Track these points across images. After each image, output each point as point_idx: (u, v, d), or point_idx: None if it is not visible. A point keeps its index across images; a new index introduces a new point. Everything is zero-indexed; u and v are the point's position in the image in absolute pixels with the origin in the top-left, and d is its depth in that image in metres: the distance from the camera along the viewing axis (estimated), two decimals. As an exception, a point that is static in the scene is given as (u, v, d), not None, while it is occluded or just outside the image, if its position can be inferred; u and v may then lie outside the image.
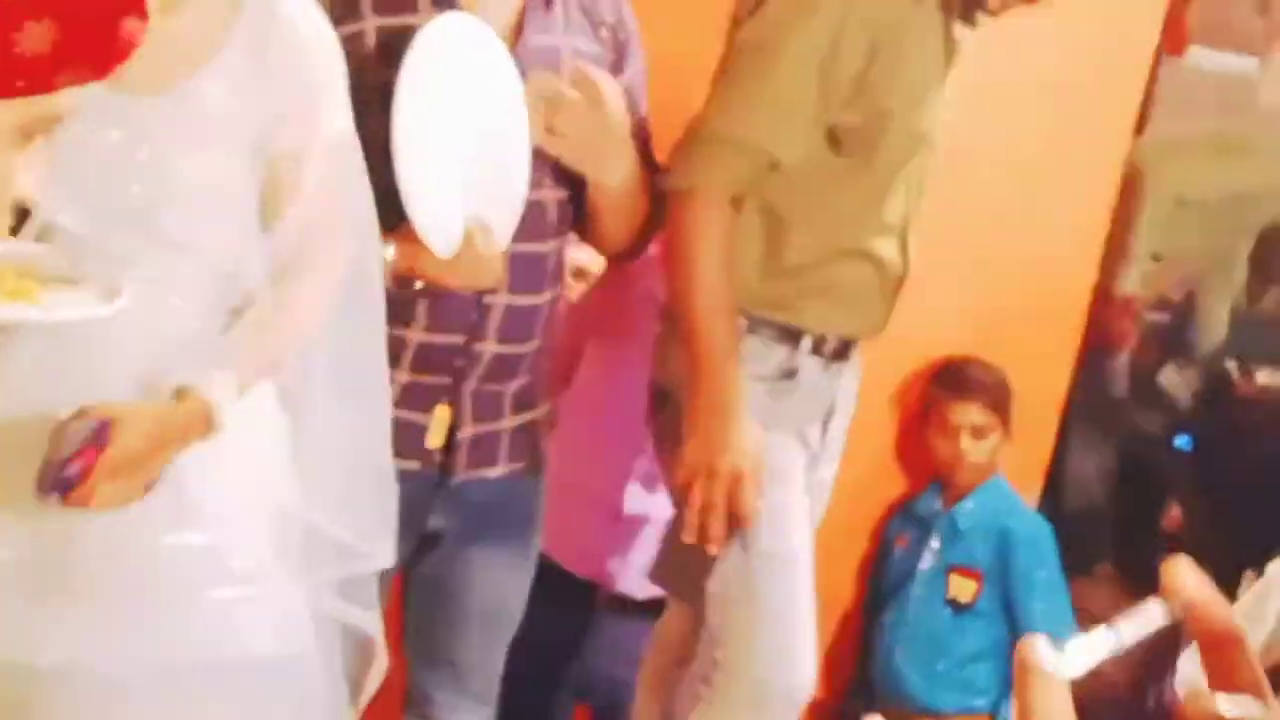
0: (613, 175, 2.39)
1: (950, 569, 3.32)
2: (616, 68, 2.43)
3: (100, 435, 1.85)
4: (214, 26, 1.99)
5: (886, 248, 2.51)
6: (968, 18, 2.51)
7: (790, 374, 2.50)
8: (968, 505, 3.33)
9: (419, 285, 2.27)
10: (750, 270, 2.45)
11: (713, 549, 2.40)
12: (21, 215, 1.97)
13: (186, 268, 2.00)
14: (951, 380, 3.30)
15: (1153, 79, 4.28)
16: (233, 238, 2.02)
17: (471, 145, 2.25)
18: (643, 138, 2.48)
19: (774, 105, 2.35)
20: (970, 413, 3.28)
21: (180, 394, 1.93)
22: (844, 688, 3.45)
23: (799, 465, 2.55)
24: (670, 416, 2.50)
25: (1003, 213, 3.27)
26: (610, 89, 2.32)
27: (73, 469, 1.84)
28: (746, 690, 2.46)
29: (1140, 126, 4.14)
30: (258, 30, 1.99)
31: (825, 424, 2.61)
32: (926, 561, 3.34)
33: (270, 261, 2.03)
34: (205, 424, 1.94)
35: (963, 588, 3.31)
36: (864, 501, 3.36)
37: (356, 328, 2.11)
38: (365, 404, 2.15)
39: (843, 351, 2.58)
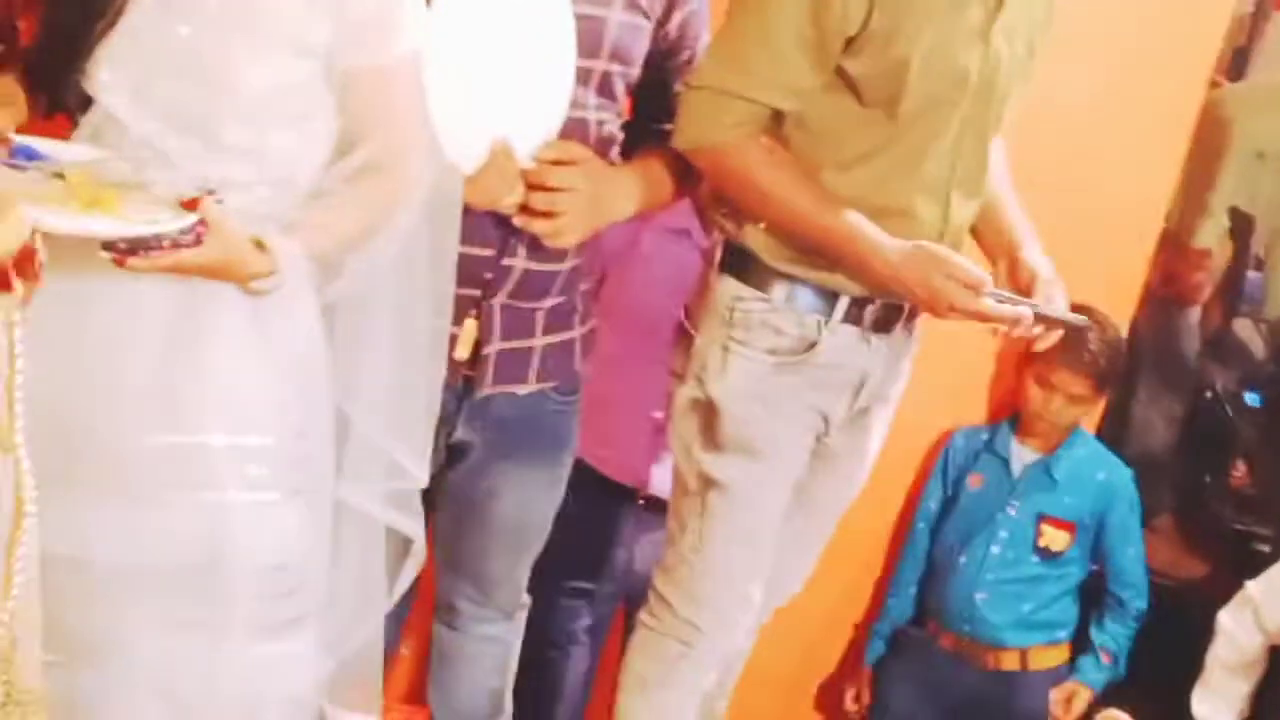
0: (625, 212, 2.43)
1: (1042, 518, 3.35)
2: (659, 35, 2.44)
3: (195, 237, 1.88)
4: None
5: (926, 205, 2.43)
6: None
7: (808, 346, 2.46)
8: (1061, 458, 3.36)
9: None
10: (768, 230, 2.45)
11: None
12: (84, 101, 2.03)
13: (252, 175, 2.03)
14: (1072, 347, 3.14)
15: (1255, 31, 4.24)
16: (298, 150, 2.05)
17: (506, 61, 2.26)
18: (693, 65, 2.48)
19: (763, 53, 2.32)
20: (1075, 384, 3.29)
21: (257, 243, 1.96)
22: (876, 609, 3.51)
23: (793, 445, 2.53)
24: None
25: (1068, 158, 3.26)
26: (584, 169, 2.33)
27: (155, 252, 1.86)
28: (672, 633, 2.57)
29: (1236, 78, 4.10)
30: None
31: (854, 400, 2.55)
32: (1014, 509, 3.36)
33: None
34: (265, 270, 1.96)
35: (1055, 538, 3.35)
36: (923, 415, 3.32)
37: (431, 246, 2.15)
38: (428, 325, 2.20)
39: (887, 322, 2.50)
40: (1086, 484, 3.35)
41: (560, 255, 2.45)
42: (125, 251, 1.85)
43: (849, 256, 2.38)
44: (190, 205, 1.89)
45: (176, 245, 1.86)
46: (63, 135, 2.05)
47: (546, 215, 2.32)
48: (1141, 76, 3.29)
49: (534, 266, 2.43)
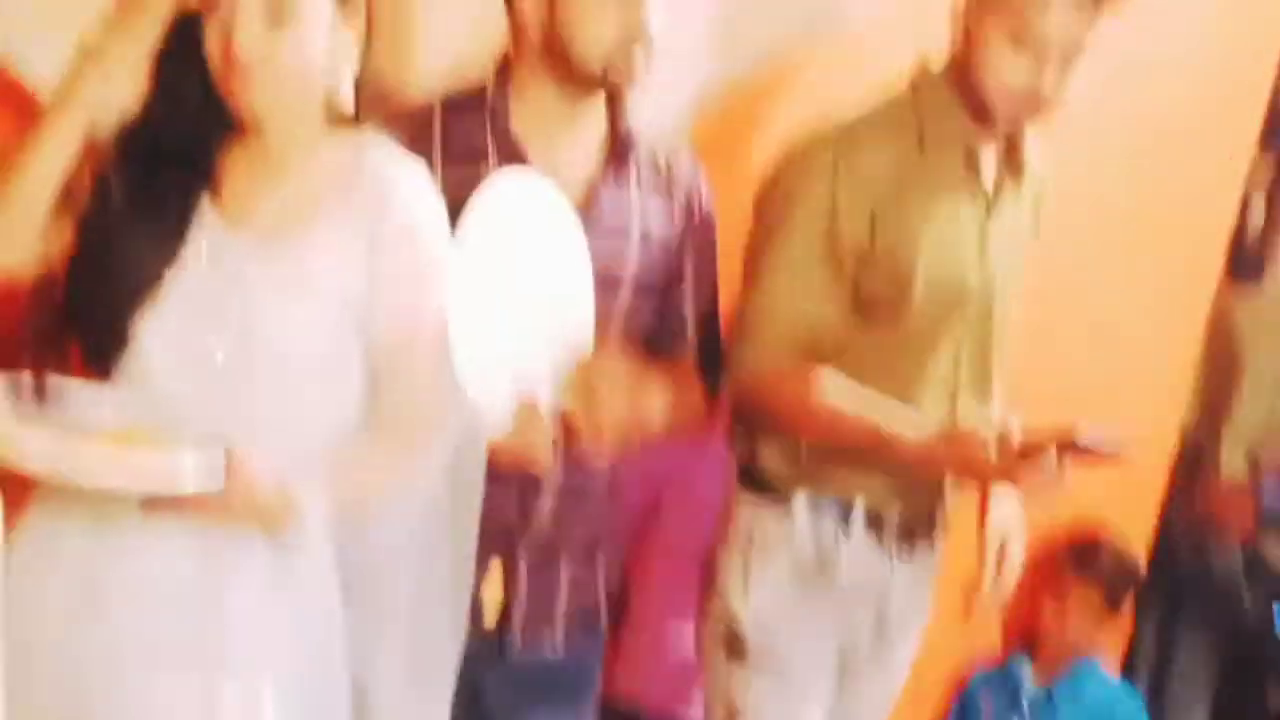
0: (659, 418, 2.35)
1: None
2: (687, 236, 2.45)
3: (218, 484, 1.87)
4: (329, 185, 2.02)
5: (934, 405, 2.46)
6: (1012, 165, 2.50)
7: (828, 563, 2.47)
8: (1065, 688, 3.36)
9: None
10: (784, 440, 2.47)
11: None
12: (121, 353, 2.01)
13: (277, 429, 2.00)
14: (1083, 558, 3.32)
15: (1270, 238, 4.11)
16: (323, 404, 2.04)
17: (535, 313, 2.22)
18: (708, 305, 2.51)
19: (794, 281, 2.39)
20: (1090, 598, 3.31)
21: (278, 490, 1.94)
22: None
23: (817, 666, 2.52)
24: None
25: (1074, 376, 3.20)
26: (614, 367, 2.27)
27: (179, 499, 1.87)
28: None
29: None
30: (372, 207, 2.01)
31: (877, 626, 2.56)
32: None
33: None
34: (288, 517, 1.95)
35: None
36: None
37: (453, 510, 2.12)
38: (448, 596, 2.15)
39: (908, 534, 2.51)
40: (1095, 712, 3.35)
41: (585, 518, 2.44)
42: (149, 499, 1.87)
43: (883, 443, 2.39)
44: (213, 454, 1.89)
45: (200, 492, 1.86)
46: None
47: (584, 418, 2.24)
48: (1150, 283, 3.27)
49: (560, 531, 2.41)
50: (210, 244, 2.01)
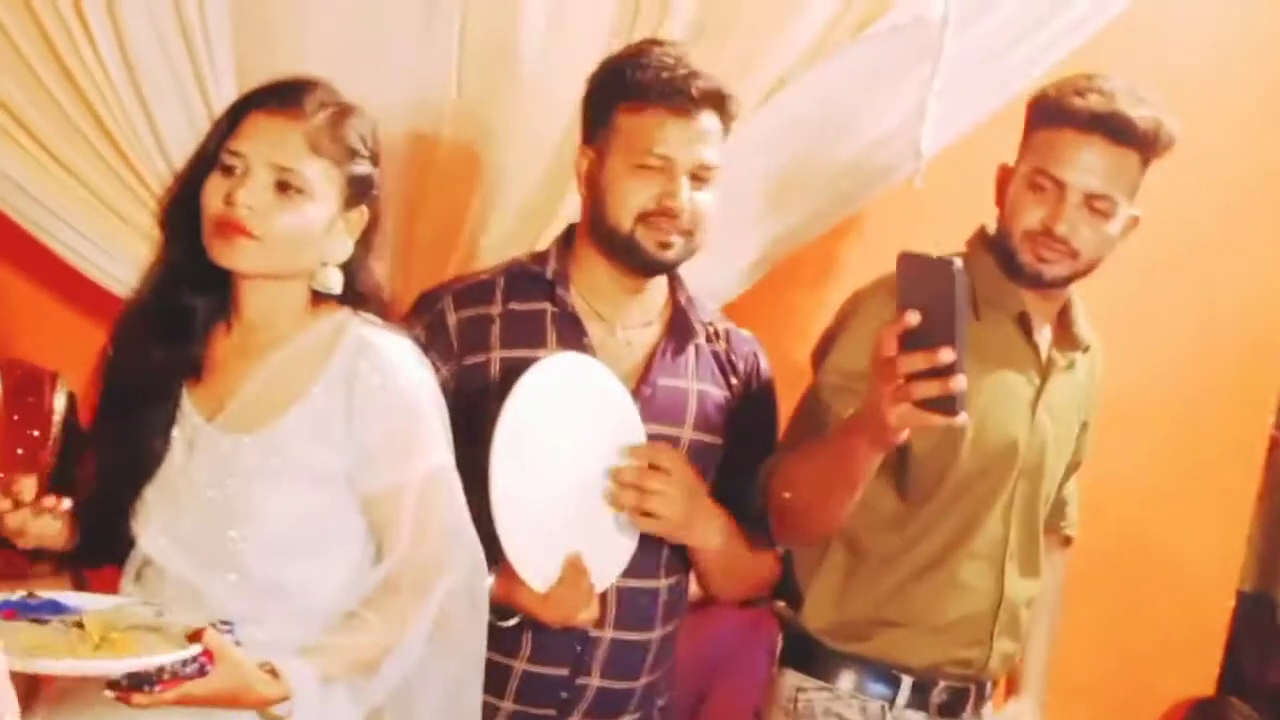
0: (711, 539, 2.36)
1: None
2: (743, 415, 2.45)
3: (199, 667, 1.87)
4: (307, 368, 2.05)
5: (979, 576, 2.44)
6: (1066, 334, 2.49)
7: None
8: None
9: (514, 620, 2.26)
10: (829, 603, 2.45)
11: None
12: (123, 550, 2.06)
13: (276, 606, 2.02)
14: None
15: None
16: (324, 573, 2.06)
17: (580, 482, 2.25)
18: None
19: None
20: None
21: (268, 669, 1.93)
22: None
23: None
24: None
25: (1130, 529, 3.17)
26: (679, 462, 2.31)
27: (158, 687, 1.86)
28: None
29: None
30: (347, 373, 2.04)
31: None
32: None
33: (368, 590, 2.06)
34: (278, 696, 1.93)
35: None
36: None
37: (457, 655, 2.10)
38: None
39: (953, 706, 2.47)
40: None
41: (635, 673, 2.40)
42: (128, 689, 1.84)
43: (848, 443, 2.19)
44: (194, 637, 1.88)
45: (178, 677, 1.85)
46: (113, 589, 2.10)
47: (644, 500, 2.26)
48: (1200, 437, 3.25)
49: (609, 685, 2.38)
50: (193, 438, 2.05)
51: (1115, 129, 2.31)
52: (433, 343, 2.31)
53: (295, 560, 2.04)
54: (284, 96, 2.04)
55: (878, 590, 2.43)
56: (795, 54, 2.79)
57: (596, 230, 2.34)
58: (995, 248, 2.41)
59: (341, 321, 2.07)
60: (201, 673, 1.86)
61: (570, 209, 2.59)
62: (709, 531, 2.36)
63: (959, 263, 1.82)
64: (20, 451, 2.26)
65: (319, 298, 2.09)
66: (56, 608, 1.98)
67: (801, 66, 2.79)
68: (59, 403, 2.32)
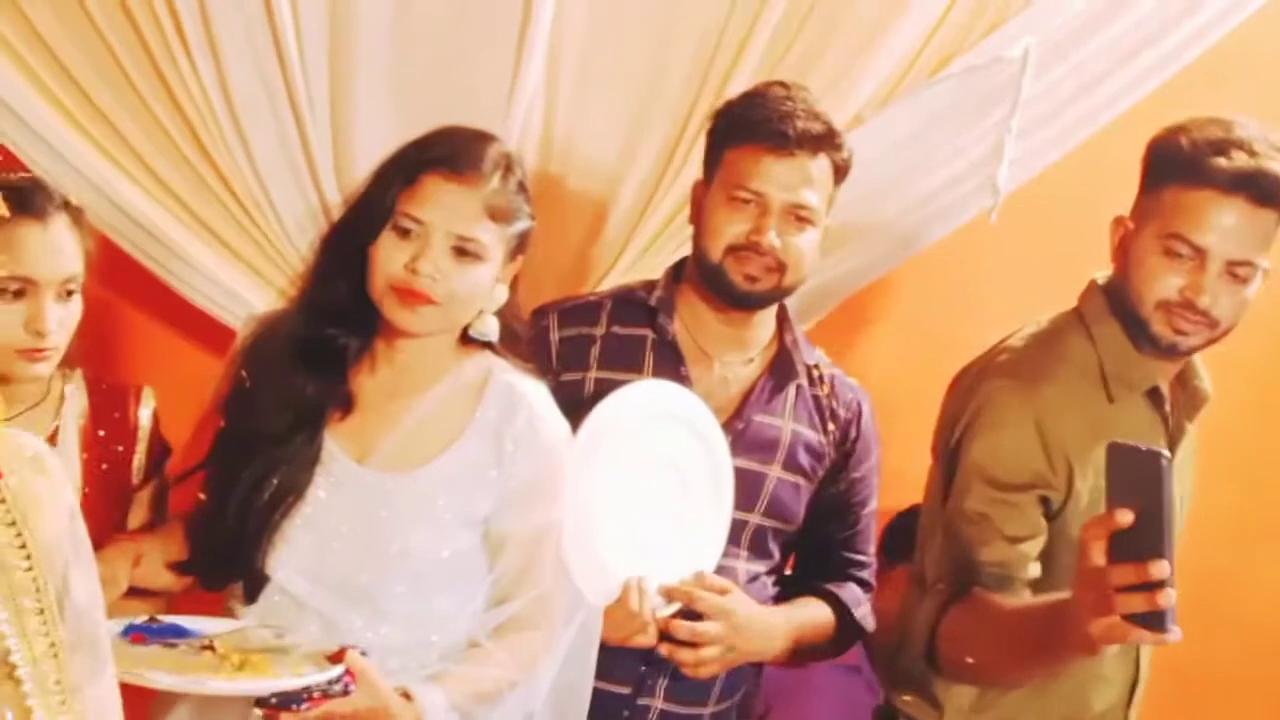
0: (770, 653, 2.39)
1: None
2: (838, 463, 2.46)
3: (343, 688, 1.94)
4: (457, 412, 2.11)
5: (1117, 664, 2.27)
6: (1190, 397, 2.32)
7: None
8: None
9: None
10: (967, 706, 2.27)
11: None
12: (256, 578, 2.10)
13: (405, 638, 2.08)
14: None
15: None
16: (455, 612, 2.11)
17: (657, 508, 2.28)
18: (859, 531, 2.51)
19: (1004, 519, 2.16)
20: None
21: (404, 694, 1.99)
22: None
23: None
24: None
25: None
26: (731, 600, 2.30)
27: (305, 706, 1.92)
28: None
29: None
30: (497, 419, 2.10)
31: None
32: None
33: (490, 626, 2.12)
34: (416, 718, 1.99)
35: None
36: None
37: (571, 687, 2.19)
38: None
39: None
40: None
41: (702, 699, 2.41)
42: (277, 707, 1.91)
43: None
44: (336, 658, 1.95)
45: (326, 696, 1.92)
46: (213, 612, 2.14)
47: (691, 645, 2.28)
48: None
49: (673, 709, 2.40)
50: (341, 478, 2.08)
51: (1262, 191, 2.10)
52: (535, 356, 2.36)
53: (434, 596, 2.09)
54: (462, 160, 2.06)
55: (1018, 691, 2.24)
56: (872, 92, 2.82)
57: (695, 262, 2.40)
58: (1120, 314, 2.22)
59: (487, 365, 2.13)
60: (345, 692, 1.93)
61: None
62: (766, 650, 2.38)
63: (1168, 457, 1.68)
64: (105, 467, 2.29)
65: (464, 338, 2.14)
66: (180, 632, 2.04)
67: (878, 105, 2.82)
68: (144, 417, 2.34)
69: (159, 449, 2.36)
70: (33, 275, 2.11)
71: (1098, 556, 1.72)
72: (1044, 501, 2.16)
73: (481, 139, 2.11)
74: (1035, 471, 2.15)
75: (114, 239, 2.69)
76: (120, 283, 2.71)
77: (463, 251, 2.04)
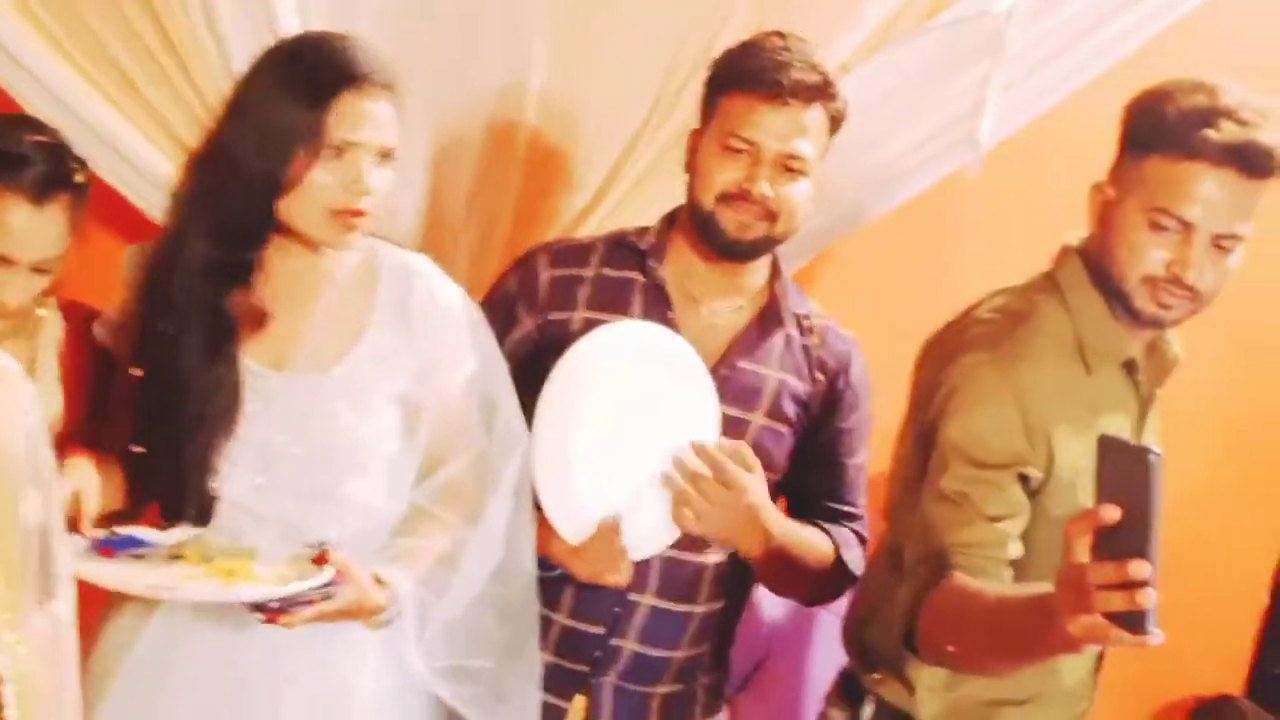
0: (751, 549, 2.35)
1: None
2: (825, 413, 2.46)
3: (329, 592, 2.01)
4: (360, 298, 2.17)
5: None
6: (1160, 365, 2.29)
7: None
8: None
9: (555, 571, 2.31)
10: (940, 687, 2.24)
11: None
12: (203, 505, 2.12)
13: (360, 525, 2.14)
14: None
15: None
16: (393, 490, 2.17)
17: (639, 449, 2.27)
18: (846, 482, 2.50)
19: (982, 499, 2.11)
20: None
21: (376, 579, 2.06)
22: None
23: None
24: None
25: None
26: (744, 472, 2.27)
27: (301, 607, 1.99)
28: None
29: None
30: (397, 300, 2.16)
31: None
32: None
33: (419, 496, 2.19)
34: (387, 606, 2.07)
35: None
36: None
37: (505, 574, 2.21)
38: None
39: None
40: None
41: (675, 642, 2.43)
42: (276, 611, 1.98)
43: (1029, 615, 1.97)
44: (320, 560, 2.01)
45: (308, 600, 1.99)
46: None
47: (691, 501, 2.25)
48: (1250, 435, 3.26)
49: (646, 650, 2.42)
50: (263, 389, 2.12)
51: (1252, 163, 2.05)
52: (521, 294, 2.41)
53: (376, 477, 2.14)
54: (368, 72, 2.06)
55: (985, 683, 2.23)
56: (859, 43, 2.82)
57: (689, 209, 2.40)
58: (1098, 283, 2.18)
59: (369, 248, 2.18)
60: (327, 594, 2.00)
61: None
62: (749, 544, 2.34)
63: (1158, 454, 1.63)
64: (82, 393, 2.30)
65: None
66: (139, 543, 2.07)
67: (864, 55, 2.83)
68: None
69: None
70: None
71: (1081, 552, 1.69)
72: (1023, 479, 2.13)
73: (360, 46, 2.10)
74: (1014, 450, 2.11)
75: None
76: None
77: (386, 158, 2.08)
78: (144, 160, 2.74)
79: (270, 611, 1.98)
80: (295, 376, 2.12)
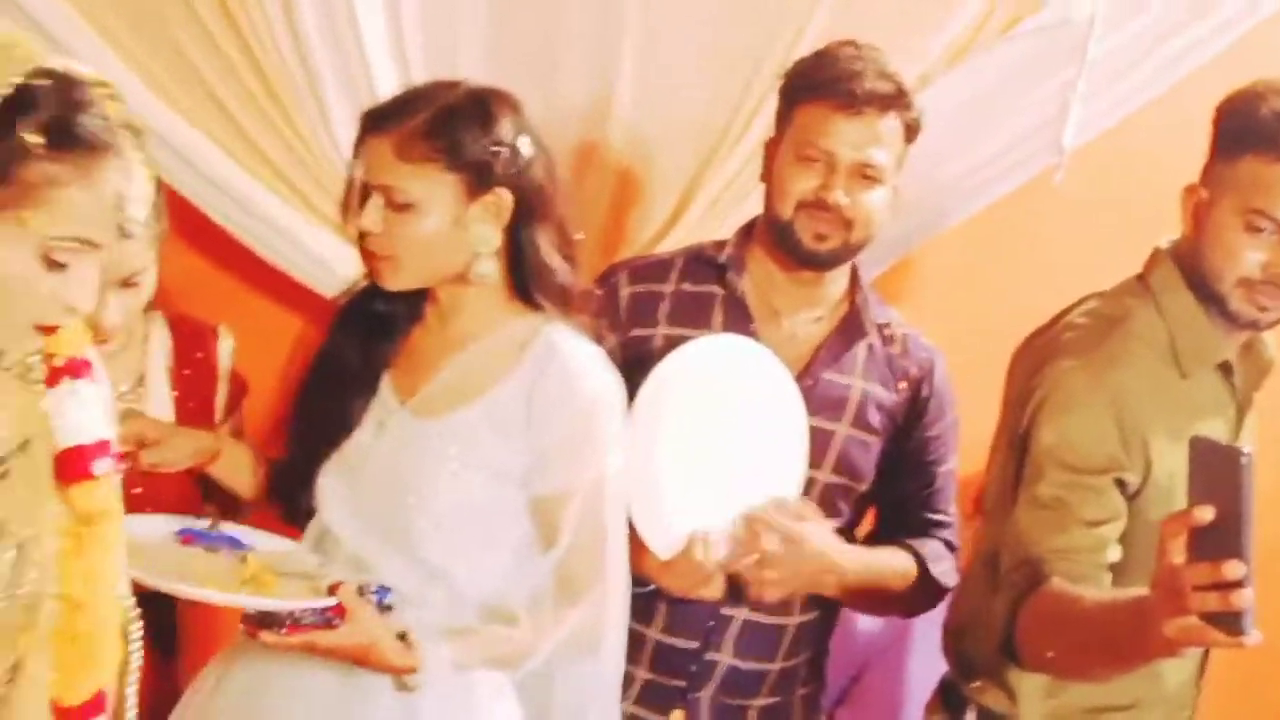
0: (829, 590, 2.38)
1: None
2: (911, 421, 2.47)
3: (328, 620, 1.96)
4: (496, 366, 2.11)
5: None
6: (1257, 367, 2.28)
7: None
8: None
9: (650, 587, 2.31)
10: (1040, 693, 2.23)
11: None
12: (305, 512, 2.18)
13: (440, 593, 2.10)
14: None
15: None
16: (491, 566, 2.12)
17: (727, 461, 2.28)
18: (934, 491, 2.51)
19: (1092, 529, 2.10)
20: None
21: (401, 636, 2.01)
22: None
23: None
24: None
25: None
26: (808, 524, 2.29)
27: (285, 629, 1.95)
28: None
29: None
30: (535, 376, 2.08)
31: None
32: None
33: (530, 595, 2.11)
34: (406, 666, 2.00)
35: None
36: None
37: (595, 671, 2.16)
38: None
39: None
40: None
41: (770, 655, 2.44)
42: (256, 624, 1.95)
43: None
44: (333, 590, 1.98)
45: (305, 625, 1.95)
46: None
47: (759, 563, 2.27)
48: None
49: (740, 664, 2.43)
50: (385, 420, 2.14)
51: None
52: (604, 312, 2.39)
53: (463, 550, 2.09)
54: (382, 114, 2.08)
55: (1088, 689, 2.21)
56: (940, 53, 2.83)
57: (766, 219, 2.42)
58: (1193, 285, 2.16)
59: (537, 325, 2.11)
60: (329, 625, 1.95)
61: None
62: (830, 586, 2.36)
63: (1249, 454, 1.63)
64: (192, 404, 2.38)
65: (514, 293, 2.13)
66: (233, 542, 2.11)
67: (945, 66, 2.83)
68: (224, 355, 2.44)
69: (238, 386, 2.47)
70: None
71: (1176, 554, 1.68)
72: (1120, 484, 2.11)
73: (417, 89, 2.13)
74: (1110, 454, 2.10)
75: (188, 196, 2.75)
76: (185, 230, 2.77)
77: (394, 203, 2.05)
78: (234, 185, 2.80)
79: (251, 624, 1.95)
80: (406, 414, 2.12)
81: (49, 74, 1.44)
